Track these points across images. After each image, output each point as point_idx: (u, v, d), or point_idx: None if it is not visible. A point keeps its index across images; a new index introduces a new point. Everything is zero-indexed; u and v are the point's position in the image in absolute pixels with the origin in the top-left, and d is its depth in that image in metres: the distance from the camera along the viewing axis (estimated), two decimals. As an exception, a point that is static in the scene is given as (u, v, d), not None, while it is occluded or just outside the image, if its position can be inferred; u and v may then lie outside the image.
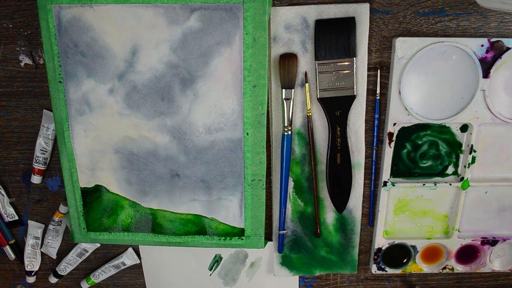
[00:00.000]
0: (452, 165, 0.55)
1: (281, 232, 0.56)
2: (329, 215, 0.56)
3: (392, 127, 0.52)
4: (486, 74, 0.49)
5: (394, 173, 0.55)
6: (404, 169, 0.55)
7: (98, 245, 0.62)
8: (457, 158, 0.54)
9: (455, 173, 0.55)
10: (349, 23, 0.47)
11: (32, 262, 0.62)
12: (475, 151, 0.54)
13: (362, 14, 0.47)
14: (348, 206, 0.55)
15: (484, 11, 0.48)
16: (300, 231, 0.57)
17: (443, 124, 0.52)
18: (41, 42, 0.51)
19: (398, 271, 0.60)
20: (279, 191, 0.54)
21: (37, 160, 0.55)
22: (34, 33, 0.51)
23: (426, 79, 0.50)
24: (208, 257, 0.62)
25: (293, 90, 0.50)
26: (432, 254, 0.59)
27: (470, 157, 0.53)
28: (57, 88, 0.50)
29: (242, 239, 0.56)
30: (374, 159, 0.54)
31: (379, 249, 0.58)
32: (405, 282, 0.63)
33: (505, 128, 0.53)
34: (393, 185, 0.55)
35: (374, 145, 0.53)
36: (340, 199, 0.54)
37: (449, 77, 0.50)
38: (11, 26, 0.50)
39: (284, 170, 0.53)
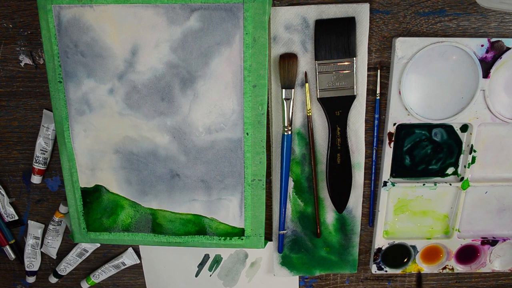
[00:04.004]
0: (452, 165, 0.55)
1: (281, 232, 0.56)
2: (329, 215, 0.56)
3: (392, 127, 0.52)
4: (486, 74, 0.49)
5: (394, 173, 0.55)
6: (404, 169, 0.55)
7: (98, 245, 0.62)
8: (457, 158, 0.54)
9: (455, 173, 0.55)
10: (349, 23, 0.47)
11: (32, 262, 0.62)
12: (475, 151, 0.54)
13: (362, 14, 0.47)
14: (348, 206, 0.55)
15: (484, 11, 0.48)
16: (300, 231, 0.57)
17: (444, 124, 0.52)
18: (41, 42, 0.51)
19: (398, 271, 0.60)
20: (279, 191, 0.54)
21: (37, 160, 0.55)
22: (34, 33, 0.51)
23: (426, 79, 0.50)
24: (208, 257, 0.62)
25: (293, 90, 0.50)
26: (432, 254, 0.59)
27: (470, 157, 0.53)
28: (57, 88, 0.50)
29: (242, 239, 0.56)
30: (374, 159, 0.54)
31: (379, 249, 0.58)
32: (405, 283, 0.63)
33: (505, 128, 0.53)
34: (393, 185, 0.55)
35: (374, 145, 0.53)
36: (340, 199, 0.54)
37: (449, 77, 0.50)
38: (11, 26, 0.50)
39: (284, 170, 0.53)
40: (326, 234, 0.57)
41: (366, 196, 0.56)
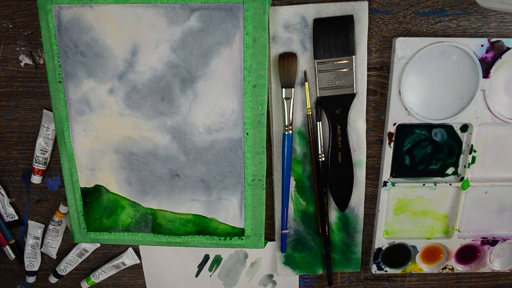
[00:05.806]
0: (452, 165, 0.55)
1: (284, 231, 0.56)
2: (332, 214, 0.56)
3: (392, 127, 0.52)
4: (486, 74, 0.49)
5: (394, 173, 0.55)
6: (404, 169, 0.55)
7: (98, 245, 0.62)
8: (457, 158, 0.54)
9: (455, 173, 0.55)
10: (347, 21, 0.47)
11: (32, 262, 0.62)
12: (475, 151, 0.54)
13: (360, 12, 0.47)
14: (350, 205, 0.55)
15: (484, 11, 0.48)
16: (303, 230, 0.57)
17: (444, 124, 0.52)
18: (41, 42, 0.51)
19: (398, 271, 0.60)
20: (281, 191, 0.54)
21: (37, 160, 0.55)
22: (34, 33, 0.51)
23: (426, 79, 0.50)
24: (208, 257, 0.62)
25: (293, 89, 0.50)
26: (432, 254, 0.59)
27: (470, 157, 0.53)
28: (57, 88, 0.51)
29: (242, 239, 0.56)
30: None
31: (379, 249, 0.58)
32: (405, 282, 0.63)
33: (505, 128, 0.53)
34: (393, 185, 0.55)
35: None
36: (342, 197, 0.54)
37: (449, 77, 0.50)
38: (11, 26, 0.51)
39: (285, 169, 0.53)
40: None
41: (367, 194, 0.56)
